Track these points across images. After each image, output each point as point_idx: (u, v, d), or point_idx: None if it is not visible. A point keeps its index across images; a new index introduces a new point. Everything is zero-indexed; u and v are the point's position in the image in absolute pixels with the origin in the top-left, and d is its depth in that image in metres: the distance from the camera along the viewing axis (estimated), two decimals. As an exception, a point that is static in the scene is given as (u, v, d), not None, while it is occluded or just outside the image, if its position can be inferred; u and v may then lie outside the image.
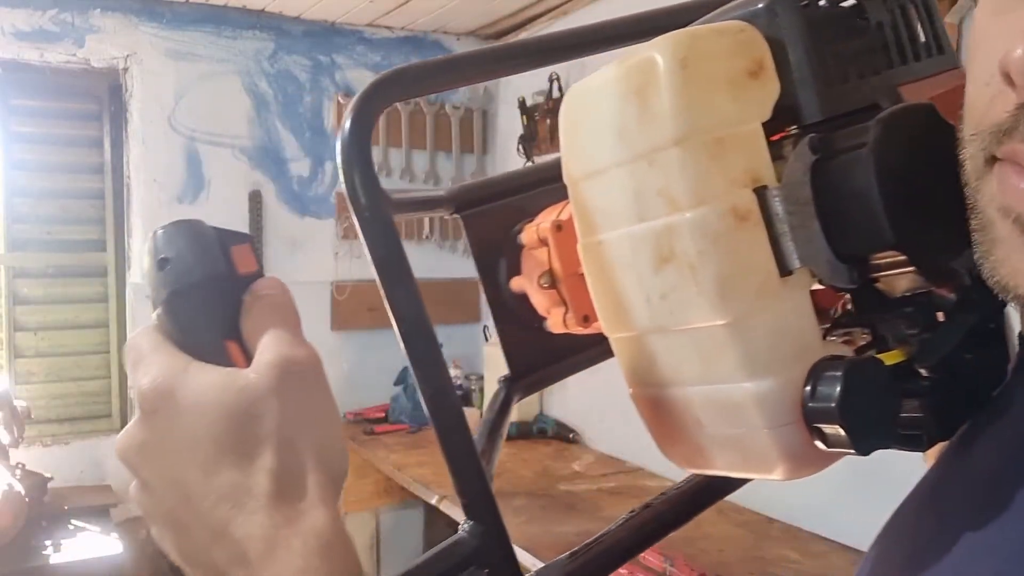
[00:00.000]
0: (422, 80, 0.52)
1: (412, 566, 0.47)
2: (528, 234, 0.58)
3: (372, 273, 0.46)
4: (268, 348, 0.40)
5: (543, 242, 0.56)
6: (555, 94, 3.65)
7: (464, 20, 3.96)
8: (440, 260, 3.92)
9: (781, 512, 2.56)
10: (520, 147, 3.86)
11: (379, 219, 0.47)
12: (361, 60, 4.01)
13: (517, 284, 0.60)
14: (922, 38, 0.46)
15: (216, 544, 0.38)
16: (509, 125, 4.03)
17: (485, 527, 0.48)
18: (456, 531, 0.49)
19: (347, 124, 0.48)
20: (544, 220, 0.56)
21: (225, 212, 3.76)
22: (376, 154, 3.99)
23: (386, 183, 4.36)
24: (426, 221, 3.95)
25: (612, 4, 3.42)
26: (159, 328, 0.41)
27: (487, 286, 0.62)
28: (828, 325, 0.47)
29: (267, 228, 3.85)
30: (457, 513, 2.84)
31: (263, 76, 3.83)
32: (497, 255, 0.61)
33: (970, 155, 0.38)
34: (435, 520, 3.67)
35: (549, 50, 0.56)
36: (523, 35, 4.00)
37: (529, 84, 3.89)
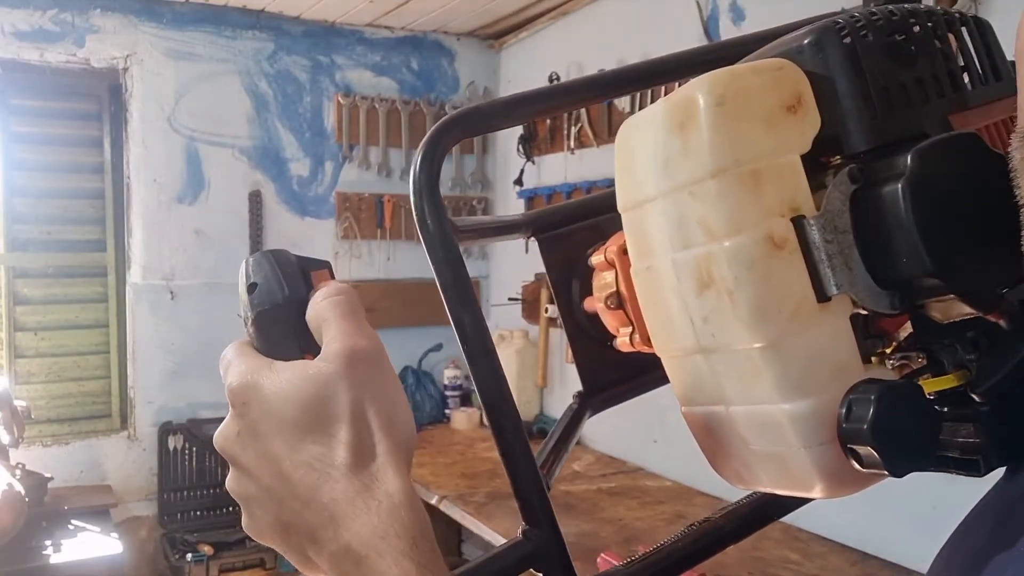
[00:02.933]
0: (489, 118, 0.58)
1: (470, 565, 0.50)
2: (597, 256, 0.61)
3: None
4: (335, 339, 0.46)
5: (611, 264, 0.58)
6: (555, 94, 3.65)
7: (464, 20, 3.96)
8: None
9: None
10: (520, 147, 3.87)
11: (445, 245, 0.51)
12: (361, 60, 4.02)
13: (589, 304, 0.63)
14: (977, 65, 0.47)
15: (307, 510, 0.44)
16: (509, 125, 4.02)
17: (541, 531, 0.51)
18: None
19: (418, 158, 0.52)
20: (612, 244, 0.59)
21: (225, 212, 3.77)
22: (376, 154, 3.99)
23: (386, 183, 4.32)
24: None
25: (611, 5, 3.43)
26: (249, 342, 0.48)
27: (561, 305, 0.66)
28: (890, 349, 0.48)
29: (267, 228, 3.85)
30: (456, 513, 2.84)
31: (263, 76, 3.83)
32: (571, 276, 0.65)
33: (1015, 157, 0.39)
34: (435, 521, 3.66)
35: (605, 85, 0.60)
36: (523, 35, 4.01)
37: (529, 84, 3.89)
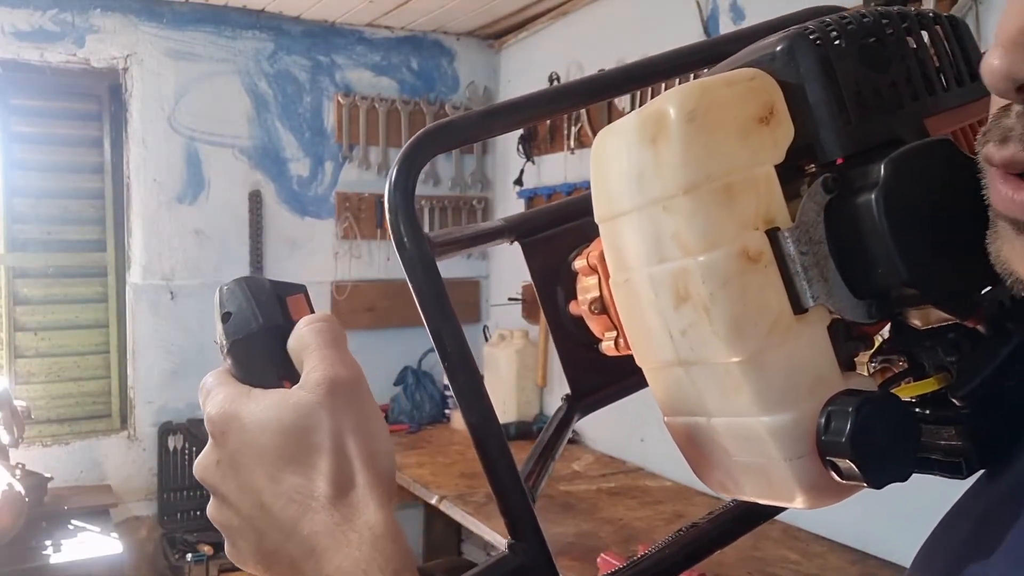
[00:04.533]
0: (464, 132, 0.57)
1: None
2: (580, 261, 0.60)
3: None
4: (316, 367, 0.45)
5: (593, 269, 0.58)
6: (555, 94, 3.65)
7: (464, 20, 3.96)
8: (441, 261, 3.91)
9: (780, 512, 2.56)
10: (520, 147, 3.87)
11: (423, 262, 0.51)
12: (360, 60, 4.02)
13: (574, 308, 0.62)
14: (952, 67, 0.46)
15: (288, 542, 0.44)
16: (509, 125, 4.02)
17: (528, 545, 0.51)
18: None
19: (393, 174, 0.52)
20: (595, 248, 0.58)
21: (225, 212, 3.77)
22: (376, 154, 3.99)
23: (385, 183, 4.36)
24: (425, 222, 3.95)
25: (611, 5, 3.43)
26: (227, 370, 0.48)
27: (547, 309, 0.65)
28: (871, 352, 0.48)
29: (267, 228, 3.85)
30: (456, 513, 2.84)
31: (263, 76, 3.83)
32: (556, 280, 0.64)
33: (980, 155, 0.40)
34: (434, 520, 3.67)
35: (584, 92, 0.60)
36: (523, 35, 4.01)
37: (529, 84, 3.89)
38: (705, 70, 0.53)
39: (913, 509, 2.08)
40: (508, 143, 4.02)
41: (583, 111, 3.46)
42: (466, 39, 4.23)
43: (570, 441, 3.40)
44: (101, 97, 3.68)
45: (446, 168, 4.15)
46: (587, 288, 0.59)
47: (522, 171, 3.90)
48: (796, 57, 0.44)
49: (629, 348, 0.54)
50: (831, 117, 0.43)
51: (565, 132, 3.59)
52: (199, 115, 3.71)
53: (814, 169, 0.45)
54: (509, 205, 4.12)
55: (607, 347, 0.58)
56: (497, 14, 3.88)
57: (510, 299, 3.96)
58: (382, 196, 4.31)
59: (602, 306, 0.57)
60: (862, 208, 0.41)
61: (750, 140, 0.43)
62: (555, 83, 3.63)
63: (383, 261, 4.02)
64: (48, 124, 3.60)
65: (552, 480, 3.05)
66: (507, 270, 4.09)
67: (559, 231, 0.65)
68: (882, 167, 0.41)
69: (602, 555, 2.21)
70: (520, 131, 3.83)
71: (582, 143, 3.53)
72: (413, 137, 0.53)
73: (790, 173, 0.44)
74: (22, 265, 3.57)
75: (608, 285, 0.56)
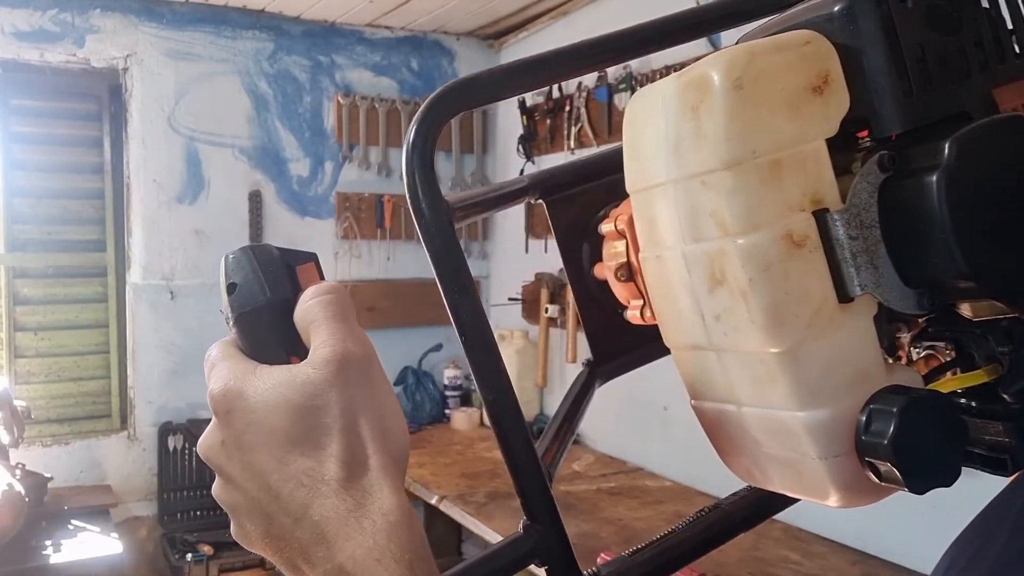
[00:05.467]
0: (487, 89, 0.52)
1: (472, 561, 0.49)
2: (607, 225, 0.57)
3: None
4: (324, 343, 0.42)
5: (621, 234, 0.55)
6: (555, 94, 3.65)
7: (464, 20, 3.96)
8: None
9: (782, 512, 2.56)
10: (520, 147, 3.87)
11: (441, 232, 0.48)
12: (361, 60, 4.01)
13: (599, 270, 0.59)
14: None
15: (298, 527, 0.42)
16: (509, 125, 4.03)
17: (543, 525, 0.49)
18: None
19: (411, 135, 0.47)
20: (623, 211, 0.55)
21: (225, 212, 3.77)
22: (376, 154, 3.99)
23: (386, 183, 4.31)
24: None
25: (612, 4, 3.43)
26: (233, 341, 0.45)
27: (570, 270, 0.61)
28: (914, 333, 0.45)
29: (267, 228, 3.85)
30: (456, 513, 2.84)
31: (263, 76, 3.83)
32: (581, 240, 0.61)
33: None
34: (435, 520, 3.67)
35: (609, 49, 0.54)
36: (523, 35, 4.01)
37: (529, 84, 3.88)
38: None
39: (914, 509, 2.08)
40: (508, 143, 4.03)
41: (583, 111, 3.46)
42: (466, 39, 4.23)
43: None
44: (101, 97, 3.68)
45: (446, 168, 4.14)
46: (614, 254, 0.56)
47: (522, 171, 3.89)
48: (857, 18, 0.40)
49: (655, 319, 0.51)
50: (891, 87, 0.39)
51: (565, 132, 3.59)
52: (199, 115, 3.71)
53: (868, 143, 0.41)
54: (509, 205, 4.11)
55: (632, 315, 0.55)
56: (497, 14, 3.87)
57: (510, 299, 3.96)
58: (382, 196, 4.28)
59: (629, 273, 0.54)
60: (922, 191, 0.38)
61: (801, 112, 0.39)
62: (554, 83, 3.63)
63: (383, 261, 4.01)
64: (48, 124, 3.60)
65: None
66: (507, 270, 4.09)
67: (585, 188, 0.61)
68: (946, 147, 0.38)
69: (602, 555, 2.21)
70: (520, 131, 3.83)
71: (582, 143, 3.52)
72: (432, 94, 0.48)
73: (841, 143, 0.41)
74: (22, 265, 3.57)
75: (636, 251, 0.52)
